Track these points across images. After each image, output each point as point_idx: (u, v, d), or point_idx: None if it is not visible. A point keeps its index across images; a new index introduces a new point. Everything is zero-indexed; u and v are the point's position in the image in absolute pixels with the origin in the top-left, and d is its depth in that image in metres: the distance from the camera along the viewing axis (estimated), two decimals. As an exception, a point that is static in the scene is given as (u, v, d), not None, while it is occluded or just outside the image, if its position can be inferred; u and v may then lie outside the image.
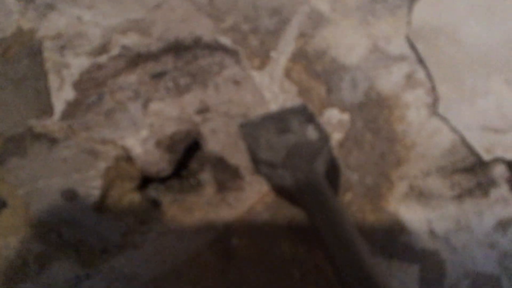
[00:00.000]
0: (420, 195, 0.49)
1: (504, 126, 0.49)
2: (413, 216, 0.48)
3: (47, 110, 0.49)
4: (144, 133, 0.49)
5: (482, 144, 0.49)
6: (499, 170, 0.49)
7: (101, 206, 0.49)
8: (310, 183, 0.40)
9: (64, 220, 0.48)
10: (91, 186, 0.48)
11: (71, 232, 0.48)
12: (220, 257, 0.48)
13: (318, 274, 0.47)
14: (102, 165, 0.49)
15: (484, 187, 0.48)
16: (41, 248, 0.48)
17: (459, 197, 0.49)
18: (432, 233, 0.48)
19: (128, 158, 0.49)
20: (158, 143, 0.49)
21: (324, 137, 0.44)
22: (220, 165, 0.49)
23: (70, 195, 0.48)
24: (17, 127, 0.48)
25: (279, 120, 0.45)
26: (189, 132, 0.50)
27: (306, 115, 0.45)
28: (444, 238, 0.48)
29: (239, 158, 0.49)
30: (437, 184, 0.49)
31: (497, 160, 0.48)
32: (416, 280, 0.47)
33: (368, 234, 0.48)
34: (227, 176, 0.49)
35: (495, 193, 0.48)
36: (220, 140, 0.50)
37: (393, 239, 0.48)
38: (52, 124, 0.48)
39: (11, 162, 0.48)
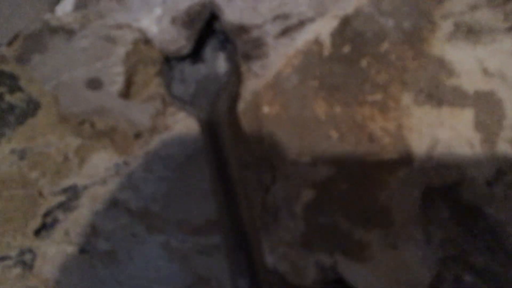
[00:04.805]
0: (469, 32, 0.43)
1: None
2: (462, 56, 0.43)
3: (60, 2, 0.47)
4: (157, 11, 0.47)
5: (541, -41, 0.41)
6: None
7: (127, 93, 0.48)
8: (210, 124, 0.44)
9: (93, 110, 0.48)
10: (114, 73, 0.47)
11: (103, 121, 0.48)
12: (252, 127, 0.46)
13: (359, 132, 0.44)
14: (121, 50, 0.47)
15: (546, 10, 0.41)
16: (78, 141, 0.49)
17: (516, 27, 0.42)
18: (485, 72, 0.42)
19: (146, 40, 0.47)
20: (174, 20, 0.47)
21: (232, 69, 0.46)
22: (241, 33, 0.46)
23: (95, 84, 0.48)
24: (34, 23, 0.48)
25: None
26: (204, 5, 0.47)
27: (220, 39, 0.47)
28: (500, 75, 0.42)
29: (260, 23, 0.46)
30: (488, 17, 0.42)
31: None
32: (470, 124, 0.42)
33: (411, 83, 0.43)
34: (249, 44, 0.46)
35: (560, 16, 0.41)
36: (237, 7, 0.46)
37: (441, 85, 0.43)
38: (67, 15, 0.47)
39: (34, 59, 0.48)
